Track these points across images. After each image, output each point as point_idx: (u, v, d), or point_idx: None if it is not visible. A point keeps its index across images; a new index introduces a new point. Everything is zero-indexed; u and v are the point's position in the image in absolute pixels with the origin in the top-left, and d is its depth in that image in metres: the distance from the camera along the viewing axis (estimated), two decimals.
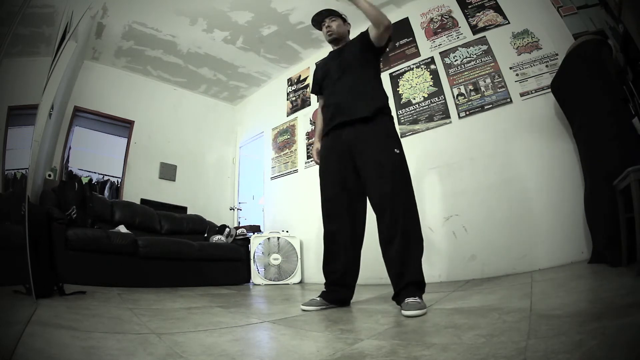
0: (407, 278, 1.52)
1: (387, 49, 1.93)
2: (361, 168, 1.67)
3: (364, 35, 1.81)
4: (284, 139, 4.54)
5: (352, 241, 1.74)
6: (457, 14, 3.26)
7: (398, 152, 1.64)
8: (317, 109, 2.03)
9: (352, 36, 1.98)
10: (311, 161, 4.06)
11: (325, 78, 1.89)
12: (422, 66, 3.38)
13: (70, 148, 3.91)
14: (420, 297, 1.48)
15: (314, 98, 4.16)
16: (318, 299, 1.72)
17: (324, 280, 1.82)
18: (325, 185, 1.79)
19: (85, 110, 4.06)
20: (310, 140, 4.14)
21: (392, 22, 3.81)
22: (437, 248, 2.84)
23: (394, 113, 3.41)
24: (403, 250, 1.53)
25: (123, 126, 4.42)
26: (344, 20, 1.96)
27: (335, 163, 1.76)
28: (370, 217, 1.72)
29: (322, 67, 1.96)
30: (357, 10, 1.72)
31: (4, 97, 1.23)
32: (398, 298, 1.52)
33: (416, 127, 3.27)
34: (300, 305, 1.72)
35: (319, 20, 1.95)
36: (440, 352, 0.86)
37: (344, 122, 1.71)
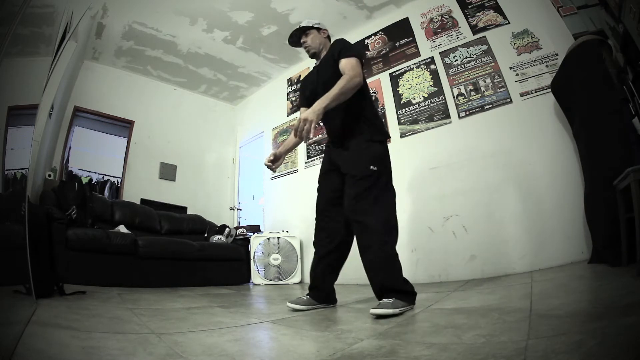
0: (378, 287, 1.56)
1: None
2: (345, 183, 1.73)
3: (335, 59, 1.74)
4: (284, 139, 4.54)
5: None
6: (457, 14, 3.26)
7: (374, 169, 1.64)
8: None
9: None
10: (311, 161, 4.07)
11: (314, 95, 1.83)
12: (422, 66, 3.38)
13: (70, 148, 3.91)
14: (398, 299, 1.47)
15: None
16: (306, 297, 1.76)
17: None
18: (319, 198, 1.87)
19: (85, 110, 4.06)
20: (311, 141, 4.13)
21: (393, 22, 3.81)
22: (437, 248, 2.83)
23: (393, 113, 3.45)
24: (370, 262, 1.57)
25: (123, 126, 4.42)
26: (318, 29, 1.92)
27: (326, 177, 1.85)
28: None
29: (308, 85, 1.95)
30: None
31: (4, 97, 1.23)
32: None
33: (416, 127, 3.27)
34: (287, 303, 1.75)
35: (296, 41, 1.95)
36: (440, 352, 0.86)
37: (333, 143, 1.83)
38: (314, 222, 1.87)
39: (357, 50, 1.79)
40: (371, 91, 3.69)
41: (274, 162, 1.90)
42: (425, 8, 3.48)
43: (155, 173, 4.49)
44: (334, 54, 1.76)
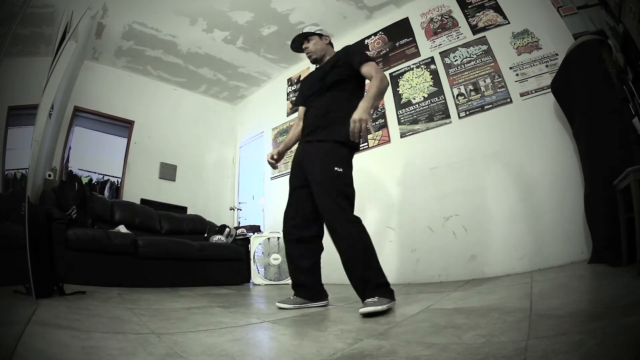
0: (360, 287, 1.57)
1: None
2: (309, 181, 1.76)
3: (345, 60, 1.81)
4: (284, 139, 4.53)
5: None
6: (457, 14, 3.26)
7: (339, 170, 1.69)
8: (295, 120, 2.13)
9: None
10: None
11: (311, 95, 1.92)
12: (422, 66, 3.38)
13: (70, 148, 3.91)
14: (381, 295, 1.49)
15: None
16: (293, 297, 1.78)
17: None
18: (290, 189, 1.90)
19: (85, 110, 4.06)
20: None
21: (393, 22, 3.82)
22: (437, 248, 2.83)
23: (393, 113, 3.46)
24: (349, 261, 1.60)
25: (123, 126, 4.42)
26: (320, 35, 1.98)
27: (296, 171, 1.88)
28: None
29: (308, 83, 2.01)
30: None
31: (4, 97, 1.23)
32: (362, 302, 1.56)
33: (416, 127, 3.27)
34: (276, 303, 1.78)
35: (298, 47, 2.00)
36: (440, 352, 0.86)
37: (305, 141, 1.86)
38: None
39: (372, 57, 1.90)
40: None
41: (278, 161, 1.99)
42: (425, 8, 3.48)
43: (155, 173, 4.49)
44: (347, 58, 1.82)
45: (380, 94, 1.66)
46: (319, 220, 1.78)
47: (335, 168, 1.68)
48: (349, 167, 1.74)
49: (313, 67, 2.14)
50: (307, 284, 1.80)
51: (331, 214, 1.64)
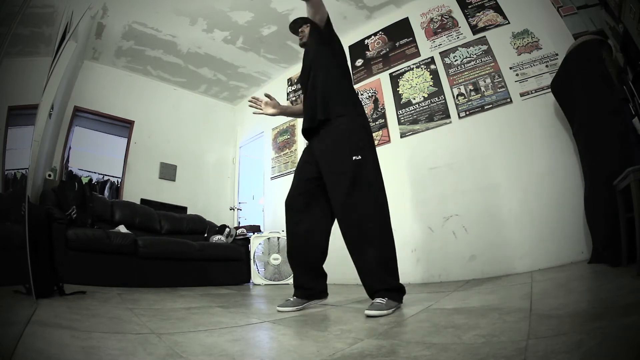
0: (374, 286, 1.54)
1: (334, 33, 1.91)
2: (324, 177, 1.69)
3: (311, 26, 1.82)
4: (284, 139, 4.54)
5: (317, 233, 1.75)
6: (457, 14, 3.26)
7: (357, 158, 1.59)
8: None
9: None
10: None
11: (304, 75, 1.90)
12: (422, 66, 3.38)
13: (70, 148, 3.91)
14: (392, 299, 1.48)
15: None
16: (292, 298, 1.72)
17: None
18: (293, 185, 1.83)
19: (85, 110, 4.06)
20: None
21: (393, 22, 3.82)
22: (437, 248, 2.84)
23: (393, 113, 3.45)
24: (365, 259, 1.55)
25: (123, 126, 4.42)
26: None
27: (306, 168, 1.80)
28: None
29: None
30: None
31: (4, 97, 1.23)
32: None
33: (416, 127, 3.27)
34: (276, 307, 1.70)
35: (296, 27, 1.98)
36: (440, 352, 0.86)
37: (309, 129, 1.76)
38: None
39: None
40: (371, 91, 3.70)
41: (268, 104, 1.96)
42: (425, 8, 3.48)
43: (155, 173, 4.49)
44: (311, 31, 1.83)
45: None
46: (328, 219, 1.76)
47: (353, 157, 1.61)
48: (368, 148, 1.69)
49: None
50: (308, 287, 1.77)
51: (350, 208, 1.59)
